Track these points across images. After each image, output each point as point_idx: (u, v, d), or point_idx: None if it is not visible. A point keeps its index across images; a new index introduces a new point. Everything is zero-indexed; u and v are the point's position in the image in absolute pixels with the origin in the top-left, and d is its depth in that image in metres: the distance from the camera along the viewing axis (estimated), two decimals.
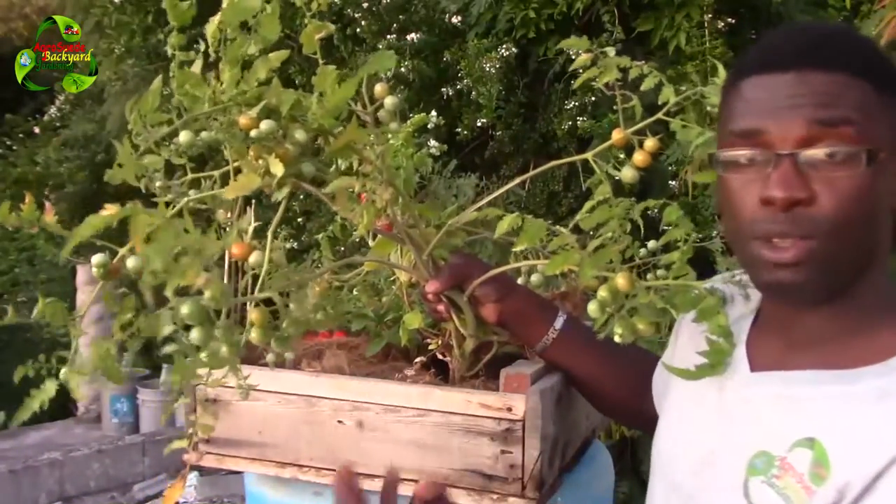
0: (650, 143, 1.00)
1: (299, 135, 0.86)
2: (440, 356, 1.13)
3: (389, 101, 0.99)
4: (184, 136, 0.85)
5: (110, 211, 0.77)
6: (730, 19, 3.74)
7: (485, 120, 4.02)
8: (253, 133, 0.84)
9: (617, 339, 0.87)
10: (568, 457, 1.14)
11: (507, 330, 1.09)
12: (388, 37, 4.21)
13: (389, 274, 1.30)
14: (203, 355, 0.77)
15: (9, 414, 5.10)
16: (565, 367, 1.07)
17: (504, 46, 4.05)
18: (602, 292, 0.88)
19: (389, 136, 1.10)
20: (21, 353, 5.52)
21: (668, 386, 0.95)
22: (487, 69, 3.98)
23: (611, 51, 1.04)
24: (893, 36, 2.37)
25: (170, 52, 0.88)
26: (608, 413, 1.16)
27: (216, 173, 0.91)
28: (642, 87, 1.03)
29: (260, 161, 0.86)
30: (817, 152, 0.72)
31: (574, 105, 3.87)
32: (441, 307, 1.04)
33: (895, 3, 2.39)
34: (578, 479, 1.16)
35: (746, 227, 0.76)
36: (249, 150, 0.86)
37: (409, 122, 1.11)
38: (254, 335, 0.82)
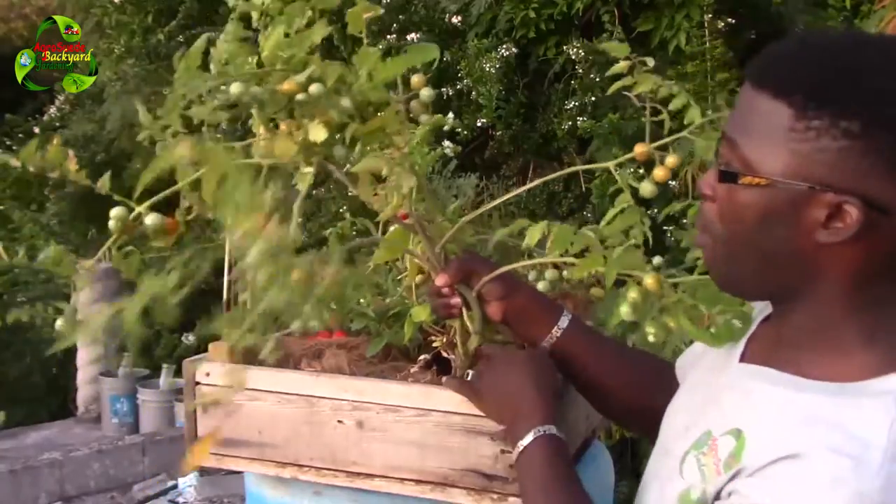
0: (671, 159, 1.00)
1: (345, 102, 0.88)
2: (444, 353, 1.13)
3: (425, 93, 1.00)
4: (235, 87, 0.87)
5: (182, 150, 0.79)
6: (730, 19, 3.75)
7: (485, 120, 4.02)
8: (300, 96, 0.86)
9: (651, 338, 0.91)
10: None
11: (511, 328, 1.09)
12: (389, 37, 4.21)
13: (395, 274, 1.30)
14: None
15: (9, 414, 5.11)
16: (568, 367, 1.07)
17: (504, 46, 4.05)
18: (633, 294, 0.91)
19: (417, 127, 1.12)
20: (21, 353, 5.53)
21: (686, 372, 0.99)
22: (487, 69, 3.99)
23: (650, 61, 1.06)
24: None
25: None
26: (608, 414, 1.16)
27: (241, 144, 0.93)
28: (670, 107, 1.04)
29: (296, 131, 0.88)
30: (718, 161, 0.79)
31: (574, 105, 3.87)
32: (455, 300, 1.05)
33: (895, 3, 2.39)
34: None
35: None
36: (283, 119, 0.88)
37: (426, 121, 1.12)
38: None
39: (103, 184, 0.85)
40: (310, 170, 0.90)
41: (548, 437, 0.94)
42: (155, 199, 0.86)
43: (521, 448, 0.94)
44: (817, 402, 0.73)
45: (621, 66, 1.04)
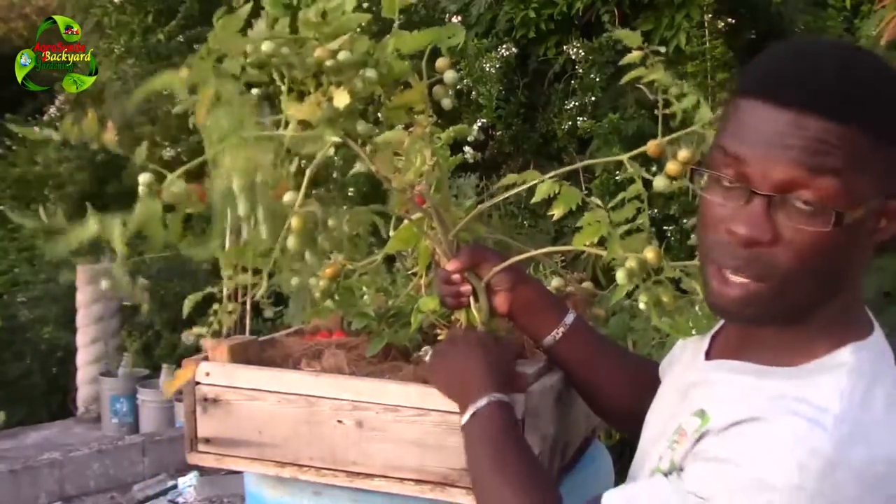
0: (683, 154, 1.00)
1: (370, 73, 0.92)
2: None
3: (450, 75, 1.02)
4: (266, 45, 0.90)
5: (183, 73, 0.84)
6: (730, 19, 3.74)
7: (485, 120, 4.02)
8: (329, 62, 0.90)
9: (641, 306, 0.96)
10: (568, 457, 1.14)
11: (515, 322, 1.09)
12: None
13: (403, 273, 1.30)
14: None
15: (9, 414, 5.10)
16: (570, 365, 1.08)
17: (504, 46, 4.05)
18: (631, 262, 0.96)
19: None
20: (21, 353, 5.53)
21: (665, 373, 1.02)
22: (487, 69, 3.99)
23: (662, 49, 1.08)
24: (893, 36, 2.37)
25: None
26: (605, 416, 1.16)
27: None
28: (681, 105, 1.05)
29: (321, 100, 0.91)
30: (792, 200, 0.73)
31: (574, 105, 3.87)
32: (465, 288, 1.06)
33: (895, 3, 2.39)
34: (578, 479, 1.16)
35: (707, 248, 0.79)
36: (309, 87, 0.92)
37: (451, 129, 1.18)
38: (291, 241, 0.94)
39: (139, 154, 0.87)
40: (334, 138, 0.92)
41: (502, 404, 0.95)
42: (185, 167, 0.90)
43: (473, 412, 0.94)
44: (780, 385, 0.77)
45: (634, 55, 1.04)
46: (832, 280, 0.77)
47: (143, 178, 0.86)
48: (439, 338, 1.14)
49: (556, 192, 1.07)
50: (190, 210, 0.89)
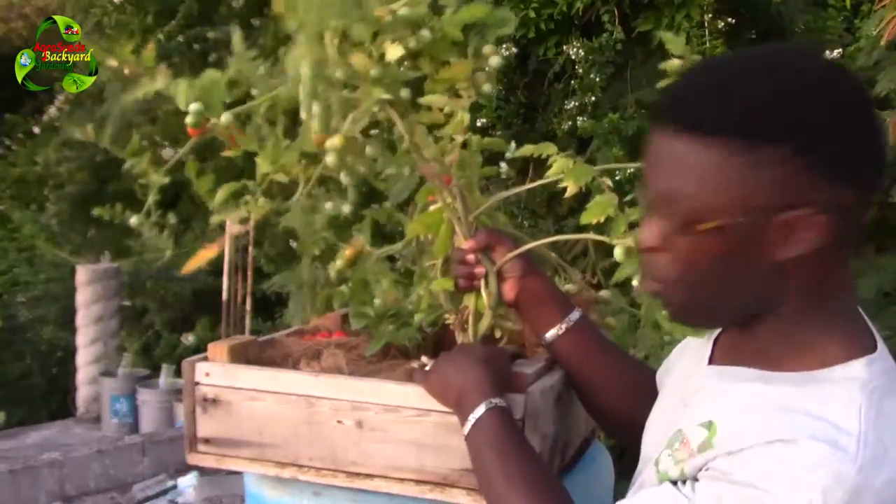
0: None
1: (425, 33, 0.98)
2: (453, 328, 1.14)
3: (494, 60, 1.06)
4: None
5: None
6: (730, 19, 3.74)
7: (485, 120, 4.02)
8: (388, 17, 0.95)
9: (634, 283, 0.99)
10: (568, 457, 1.14)
11: (521, 312, 1.10)
12: None
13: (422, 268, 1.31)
14: None
15: (9, 414, 5.10)
16: (571, 363, 1.08)
17: (504, 46, 4.05)
18: (630, 241, 0.98)
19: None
20: (21, 353, 5.53)
21: (663, 382, 1.01)
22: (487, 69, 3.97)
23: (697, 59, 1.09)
24: (893, 36, 2.37)
25: None
26: (600, 418, 1.14)
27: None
28: None
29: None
30: (665, 212, 0.78)
31: (574, 105, 3.87)
32: (479, 270, 1.08)
33: (895, 3, 2.39)
34: (578, 479, 1.16)
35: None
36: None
37: (486, 141, 1.22)
38: (330, 158, 0.98)
39: (132, 147, 0.97)
40: (381, 94, 0.96)
41: (501, 409, 0.96)
42: (234, 110, 1.00)
43: (474, 420, 0.95)
44: (786, 392, 0.76)
45: (673, 63, 1.04)
46: (734, 286, 0.78)
47: (194, 108, 0.98)
48: (447, 321, 1.16)
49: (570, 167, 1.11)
50: (229, 154, 1.01)
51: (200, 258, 1.11)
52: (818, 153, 0.73)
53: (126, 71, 0.98)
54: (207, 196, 1.05)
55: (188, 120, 0.99)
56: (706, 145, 0.74)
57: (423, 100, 1.03)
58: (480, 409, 0.95)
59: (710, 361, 0.89)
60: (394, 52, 0.95)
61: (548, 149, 1.14)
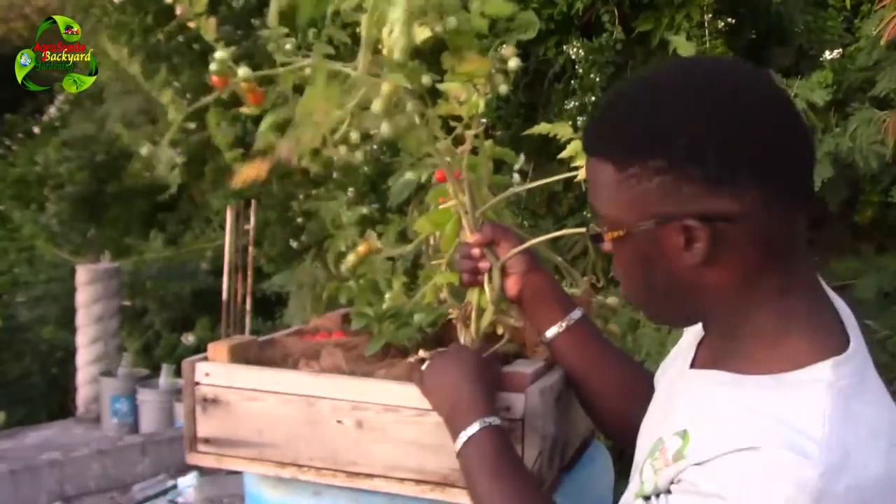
0: None
1: (452, 20, 1.00)
2: (455, 324, 1.14)
3: (513, 62, 1.10)
4: None
5: None
6: (730, 19, 3.74)
7: (485, 120, 4.02)
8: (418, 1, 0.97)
9: None
10: (567, 456, 1.14)
11: (522, 308, 1.10)
12: None
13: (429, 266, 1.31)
14: None
15: (9, 414, 5.10)
16: (569, 361, 1.08)
17: (504, 46, 4.04)
18: None
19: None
20: (21, 353, 5.53)
21: (660, 381, 1.01)
22: None
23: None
24: (893, 36, 2.37)
25: None
26: (596, 418, 1.14)
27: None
28: None
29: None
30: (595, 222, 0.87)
31: (574, 105, 3.87)
32: (483, 264, 1.09)
33: (895, 3, 2.39)
34: (578, 478, 1.16)
35: None
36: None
37: (498, 150, 1.25)
38: (376, 105, 0.98)
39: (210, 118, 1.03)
40: (399, 79, 0.97)
41: (494, 428, 0.96)
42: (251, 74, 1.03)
43: (466, 438, 0.95)
44: (755, 396, 0.76)
45: None
46: (666, 291, 0.82)
47: (218, 56, 1.02)
48: (450, 316, 1.16)
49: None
50: (247, 111, 1.04)
51: (247, 174, 1.10)
52: (694, 164, 0.76)
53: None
54: (225, 148, 1.08)
55: (212, 67, 1.02)
56: (602, 165, 0.81)
57: (441, 86, 1.07)
58: (474, 428, 0.95)
59: (693, 364, 0.90)
60: (421, 33, 0.97)
61: (563, 129, 1.16)
